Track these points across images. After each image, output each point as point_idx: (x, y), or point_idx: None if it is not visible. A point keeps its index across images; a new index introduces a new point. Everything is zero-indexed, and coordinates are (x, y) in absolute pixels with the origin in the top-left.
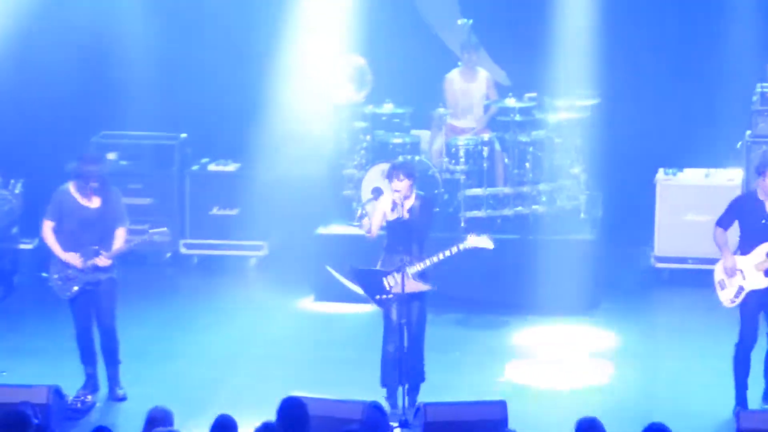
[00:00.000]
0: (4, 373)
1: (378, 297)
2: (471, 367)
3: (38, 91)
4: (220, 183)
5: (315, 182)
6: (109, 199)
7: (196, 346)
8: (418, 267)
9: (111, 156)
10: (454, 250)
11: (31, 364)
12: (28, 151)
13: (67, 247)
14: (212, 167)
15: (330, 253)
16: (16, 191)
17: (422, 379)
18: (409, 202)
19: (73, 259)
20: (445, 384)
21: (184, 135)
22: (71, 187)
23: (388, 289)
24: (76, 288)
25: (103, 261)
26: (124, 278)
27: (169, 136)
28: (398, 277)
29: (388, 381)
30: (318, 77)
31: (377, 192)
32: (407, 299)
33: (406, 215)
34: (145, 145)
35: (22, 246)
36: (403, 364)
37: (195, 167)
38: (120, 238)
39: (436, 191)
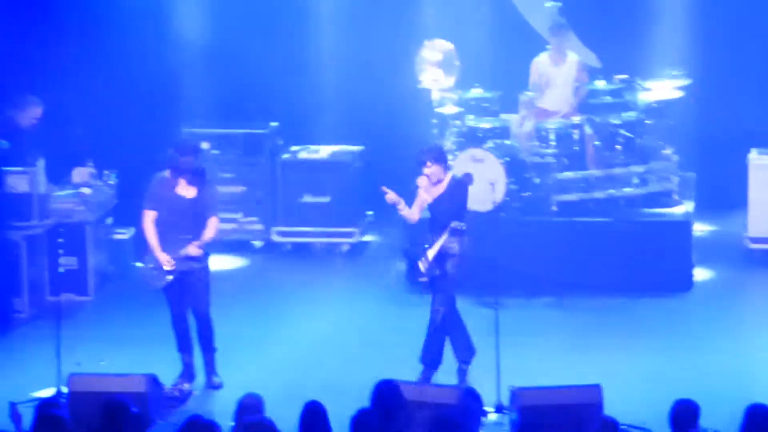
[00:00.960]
0: (102, 363)
1: (418, 279)
2: (564, 351)
3: (131, 84)
4: (310, 170)
5: (406, 169)
6: (205, 190)
7: (289, 333)
8: (431, 251)
9: (204, 145)
10: (443, 237)
11: (128, 353)
12: (121, 143)
13: (159, 235)
14: (303, 155)
15: (423, 239)
16: (111, 182)
17: (434, 365)
18: (442, 186)
19: (164, 259)
20: (540, 368)
21: (274, 124)
22: (167, 175)
23: (422, 272)
24: (170, 277)
25: (194, 250)
26: (217, 267)
27: (259, 125)
28: (423, 261)
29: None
30: (406, 64)
31: (468, 178)
32: (429, 283)
33: (429, 199)
34: (237, 135)
35: (117, 236)
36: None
37: (286, 155)
38: (212, 228)
39: (526, 175)
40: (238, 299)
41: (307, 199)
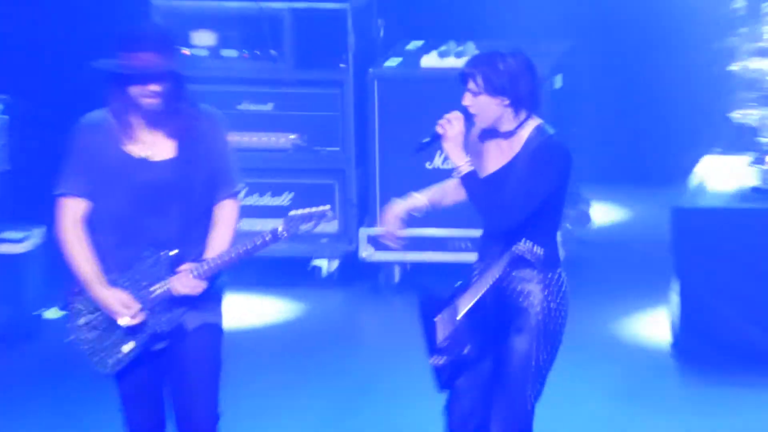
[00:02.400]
0: None
1: (431, 359)
2: None
3: None
4: None
5: None
6: (200, 138)
7: None
8: (464, 303)
9: (203, 38)
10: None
11: None
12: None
13: (102, 251)
14: None
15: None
16: None
17: None
18: (512, 146)
19: (119, 305)
20: None
21: None
22: (105, 116)
23: (440, 344)
24: (128, 348)
25: (188, 284)
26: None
27: None
28: (444, 320)
29: None
30: None
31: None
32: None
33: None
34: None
35: (4, 249)
36: None
37: None
38: (227, 227)
39: None
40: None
41: None
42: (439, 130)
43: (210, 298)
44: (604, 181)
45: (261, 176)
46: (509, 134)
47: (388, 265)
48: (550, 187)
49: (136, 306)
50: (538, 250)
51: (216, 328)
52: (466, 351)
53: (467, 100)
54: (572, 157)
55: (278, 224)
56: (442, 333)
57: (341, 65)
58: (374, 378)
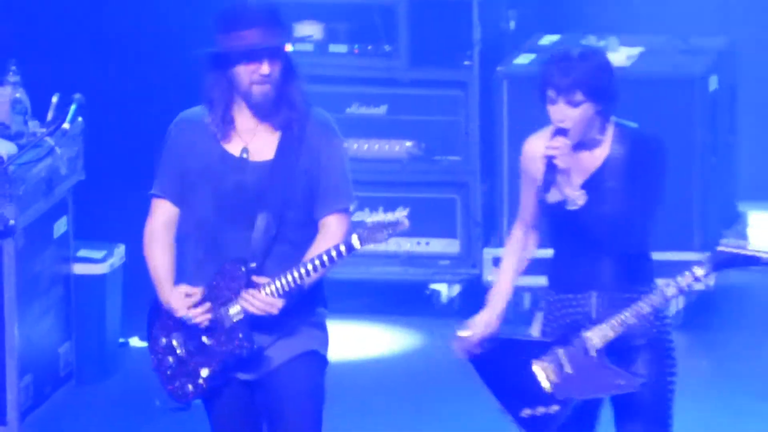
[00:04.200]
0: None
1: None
2: None
3: None
4: None
5: None
6: (308, 142)
7: None
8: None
9: (307, 30)
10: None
11: None
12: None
13: (186, 261)
14: None
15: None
16: (66, 126)
17: None
18: (597, 156)
19: (191, 316)
20: None
21: None
22: (201, 114)
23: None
24: (205, 373)
25: (267, 302)
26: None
27: None
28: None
29: None
30: None
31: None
32: None
33: (573, 193)
34: None
35: (82, 269)
36: None
37: None
38: (329, 240)
39: None
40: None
41: None
42: (558, 162)
43: (307, 322)
44: (765, 198)
45: (372, 189)
46: (597, 143)
47: (516, 291)
48: (664, 185)
49: (197, 294)
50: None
51: (316, 357)
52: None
53: (562, 113)
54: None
55: (353, 236)
56: (546, 381)
57: (465, 63)
58: (500, 422)
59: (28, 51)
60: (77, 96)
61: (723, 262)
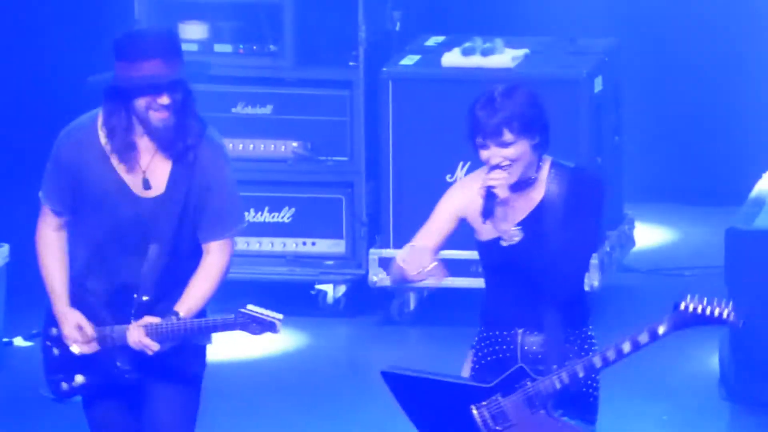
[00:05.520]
0: None
1: None
2: None
3: None
4: None
5: None
6: (198, 165)
7: None
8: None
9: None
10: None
11: None
12: None
13: (78, 273)
14: None
15: None
16: None
17: None
18: (532, 197)
19: (74, 336)
20: None
21: None
22: (95, 121)
23: None
24: (78, 380)
25: (143, 341)
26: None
27: None
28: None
29: None
30: None
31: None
32: None
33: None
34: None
35: None
36: None
37: None
38: (213, 272)
39: None
40: None
41: None
42: (497, 192)
43: (186, 350)
44: (650, 199)
45: (257, 189)
46: (533, 181)
47: (401, 292)
48: (600, 226)
49: (90, 333)
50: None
51: (192, 378)
52: None
53: (498, 155)
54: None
55: (232, 315)
56: (492, 424)
57: (351, 63)
58: (385, 422)
59: None
60: None
61: (684, 322)
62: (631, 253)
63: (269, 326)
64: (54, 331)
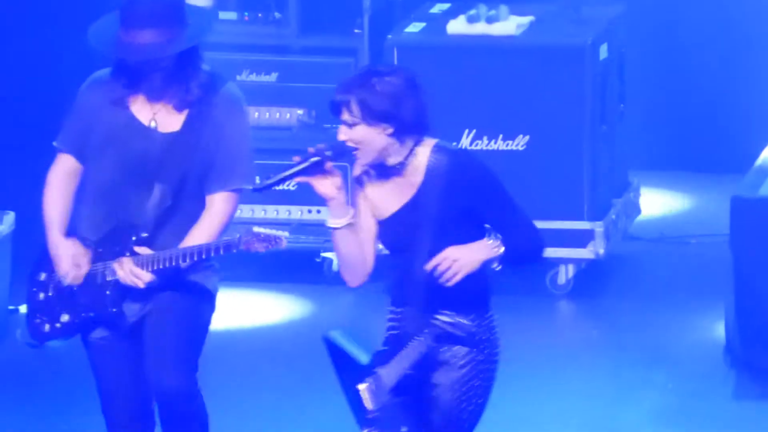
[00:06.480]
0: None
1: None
2: None
3: None
4: None
5: None
6: (210, 115)
7: None
8: (393, 367)
9: None
10: None
11: None
12: None
13: (80, 213)
14: None
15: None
16: None
17: None
18: (412, 178)
19: (66, 264)
20: None
21: None
22: (107, 77)
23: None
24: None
25: (140, 274)
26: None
27: None
28: (371, 383)
29: None
30: None
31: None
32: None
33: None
34: None
35: None
36: None
37: None
38: (216, 219)
39: None
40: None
41: None
42: (354, 168)
43: (194, 291)
44: (656, 167)
45: (262, 157)
46: (400, 167)
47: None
48: (486, 205)
49: (84, 266)
50: (464, 320)
51: (198, 288)
52: (404, 430)
53: (342, 134)
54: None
55: (237, 234)
56: (370, 402)
57: (355, 30)
58: None
59: None
60: None
61: None
62: (637, 221)
63: (274, 241)
64: (43, 276)
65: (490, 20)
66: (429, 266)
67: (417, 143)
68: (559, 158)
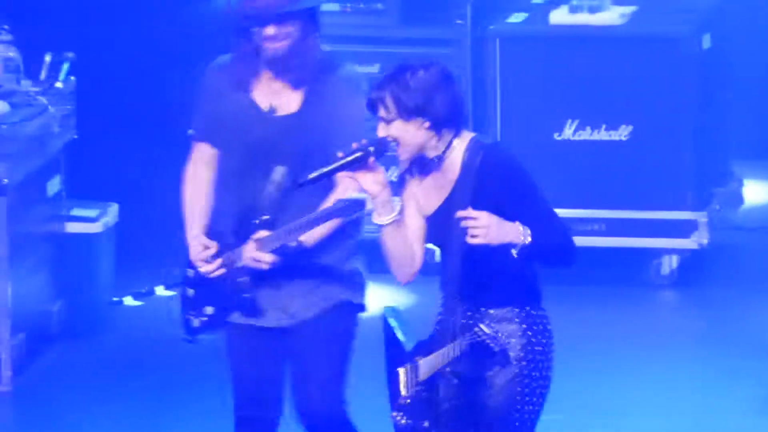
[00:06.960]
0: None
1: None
2: None
3: None
4: None
5: None
6: (329, 97)
7: None
8: (431, 360)
9: None
10: None
11: None
12: None
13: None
14: None
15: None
16: (59, 84)
17: None
18: (449, 172)
19: (199, 256)
20: None
21: None
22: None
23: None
24: (209, 311)
25: (262, 255)
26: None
27: None
28: (410, 372)
29: None
30: None
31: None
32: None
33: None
34: None
35: (76, 228)
36: None
37: None
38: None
39: None
40: None
41: None
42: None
43: (337, 273)
44: (759, 157)
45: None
46: (439, 161)
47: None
48: (518, 200)
49: (212, 248)
50: (502, 337)
51: (346, 307)
52: (426, 425)
53: (381, 130)
54: (523, 163)
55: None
56: (404, 388)
57: (457, 21)
58: None
59: (21, 10)
60: (70, 55)
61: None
62: (740, 211)
63: (360, 205)
64: (190, 272)
65: (592, 10)
66: (462, 214)
67: (455, 136)
68: (663, 148)
